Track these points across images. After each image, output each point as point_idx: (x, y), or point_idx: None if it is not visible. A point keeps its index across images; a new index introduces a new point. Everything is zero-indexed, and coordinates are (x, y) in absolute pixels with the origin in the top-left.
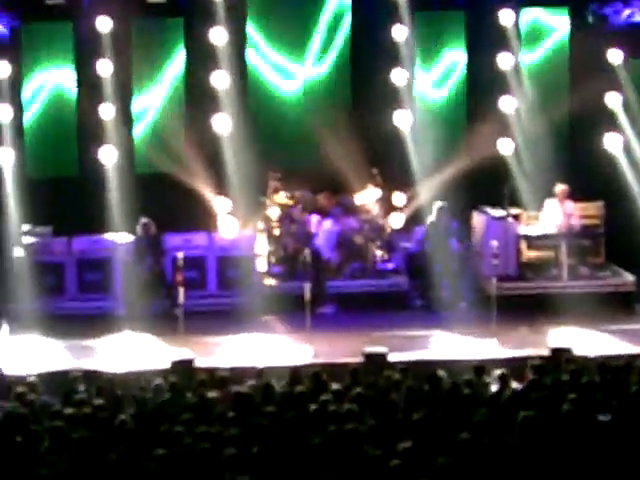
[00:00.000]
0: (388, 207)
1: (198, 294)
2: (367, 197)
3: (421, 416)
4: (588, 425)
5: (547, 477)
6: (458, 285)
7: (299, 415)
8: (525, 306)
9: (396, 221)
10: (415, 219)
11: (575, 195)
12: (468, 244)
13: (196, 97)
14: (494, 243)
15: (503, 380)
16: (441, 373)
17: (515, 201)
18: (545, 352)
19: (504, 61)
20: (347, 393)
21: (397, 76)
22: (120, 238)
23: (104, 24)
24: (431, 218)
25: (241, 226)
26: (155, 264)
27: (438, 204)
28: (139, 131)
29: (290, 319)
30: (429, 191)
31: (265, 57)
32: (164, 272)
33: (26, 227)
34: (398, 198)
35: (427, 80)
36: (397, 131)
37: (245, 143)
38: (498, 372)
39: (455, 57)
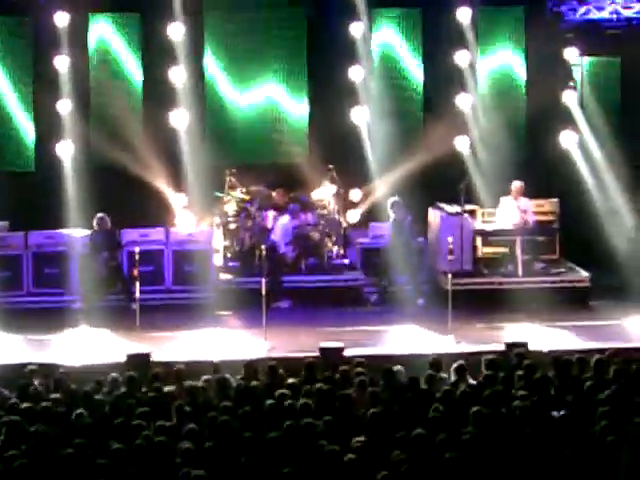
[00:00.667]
0: (344, 203)
1: (154, 289)
2: (323, 193)
3: (377, 411)
4: (541, 421)
5: (501, 473)
6: (416, 281)
7: (255, 410)
8: (480, 301)
9: (352, 217)
10: (371, 215)
11: (530, 192)
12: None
13: (153, 93)
14: (449, 239)
15: (460, 372)
16: (398, 368)
17: (471, 197)
18: (500, 347)
19: (461, 59)
20: (303, 388)
21: (354, 73)
22: (76, 233)
23: (62, 19)
24: (392, 214)
25: (197, 221)
26: (111, 259)
27: (392, 199)
28: (96, 126)
29: (246, 314)
30: (385, 187)
31: (223, 53)
32: (120, 266)
33: None
34: (354, 194)
35: (385, 77)
36: (354, 128)
37: (202, 139)
38: (456, 364)
39: (412, 54)
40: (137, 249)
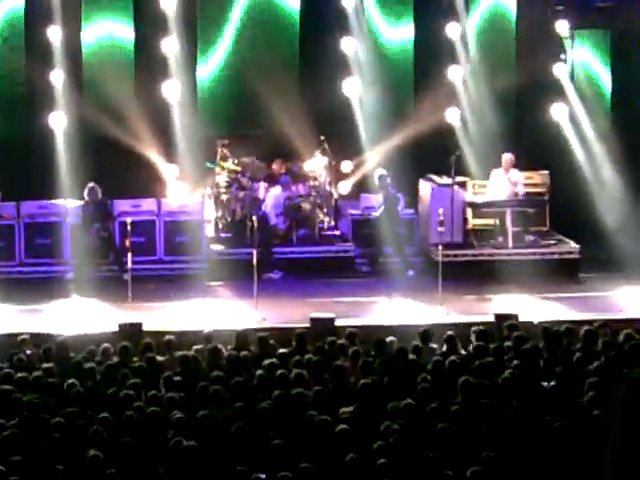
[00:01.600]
0: (335, 174)
1: (146, 259)
2: (314, 164)
3: (368, 381)
4: (531, 391)
5: (490, 443)
6: (405, 252)
7: (245, 379)
8: (470, 273)
9: (343, 188)
10: (362, 186)
11: (521, 164)
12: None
13: (145, 64)
14: (440, 211)
15: (450, 343)
16: (390, 338)
17: (461, 169)
18: (490, 318)
19: (451, 31)
20: (293, 358)
21: (346, 44)
22: (69, 203)
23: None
24: (378, 186)
25: (189, 192)
26: (103, 229)
27: (378, 172)
28: (89, 97)
29: (237, 284)
30: (376, 159)
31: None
32: (112, 237)
33: None
34: (345, 166)
35: (377, 48)
36: (345, 99)
37: (194, 110)
38: (446, 335)
39: (404, 26)
40: (129, 220)
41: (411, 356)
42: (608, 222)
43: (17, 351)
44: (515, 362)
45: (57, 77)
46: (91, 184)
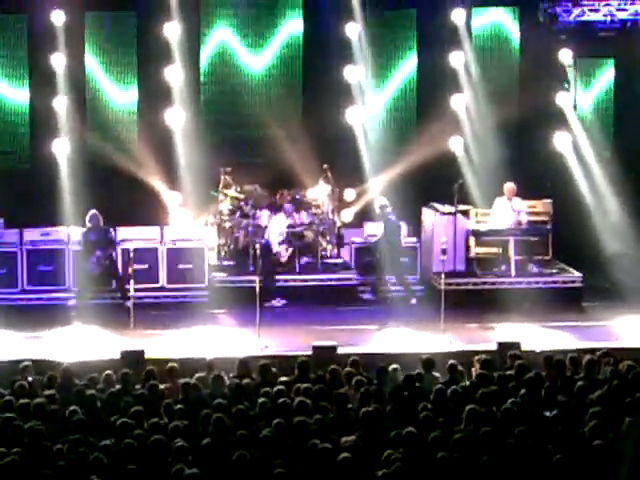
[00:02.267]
0: (338, 203)
1: (149, 286)
2: (317, 192)
3: (370, 409)
4: (534, 420)
5: (492, 472)
6: (407, 281)
7: (247, 407)
8: (473, 301)
9: (346, 216)
10: (365, 215)
11: (524, 193)
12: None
13: (148, 91)
14: (443, 239)
15: (453, 372)
16: (392, 367)
17: (464, 198)
18: (493, 347)
19: (455, 60)
20: (295, 386)
21: (349, 73)
22: (71, 230)
23: (58, 17)
24: (380, 215)
25: (192, 219)
26: (104, 257)
27: (380, 201)
28: (92, 124)
29: (240, 312)
30: (379, 187)
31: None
32: (115, 264)
33: None
34: (348, 194)
35: (381, 78)
36: (348, 127)
37: (197, 137)
38: (448, 363)
39: (407, 55)
40: (132, 247)
41: (414, 384)
42: (610, 251)
43: (19, 378)
44: (517, 391)
45: (60, 104)
46: (92, 211)
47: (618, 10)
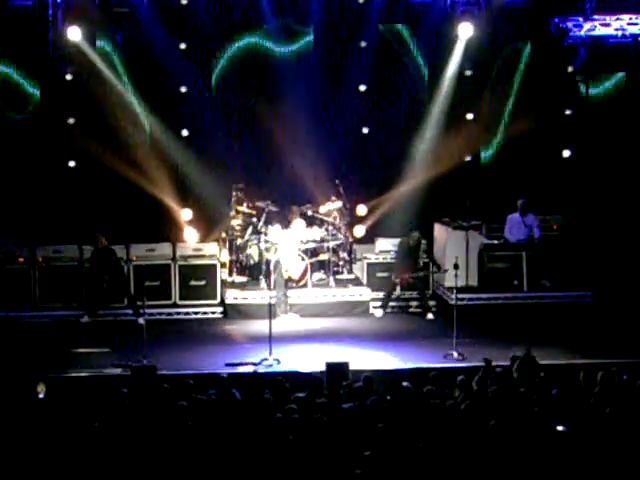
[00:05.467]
0: (350, 218)
1: (161, 303)
2: (330, 208)
3: (384, 425)
4: (548, 435)
5: None
6: (424, 296)
7: (262, 423)
8: (486, 316)
9: (358, 232)
10: (377, 230)
11: (536, 208)
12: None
13: (160, 107)
14: (455, 254)
15: (465, 386)
16: (405, 383)
17: (477, 213)
18: (506, 362)
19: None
20: (310, 402)
21: (362, 88)
22: (83, 247)
23: (74, 33)
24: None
25: (204, 236)
26: (113, 277)
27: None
28: (103, 141)
29: (252, 328)
30: (391, 203)
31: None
32: (126, 281)
33: None
34: (360, 209)
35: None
36: (361, 142)
37: (209, 154)
38: (460, 378)
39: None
40: (144, 264)
41: (427, 399)
42: (623, 265)
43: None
44: (530, 405)
45: (71, 120)
46: (96, 234)
47: (629, 24)
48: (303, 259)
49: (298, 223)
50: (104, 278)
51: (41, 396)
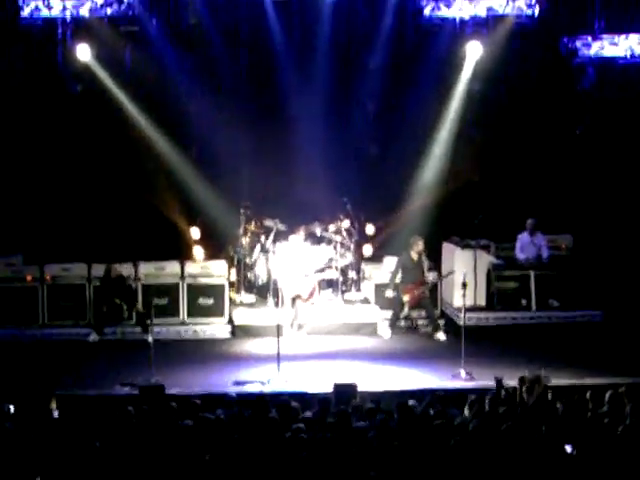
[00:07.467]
0: (359, 237)
1: (169, 321)
2: (338, 227)
3: (391, 446)
4: (556, 455)
5: None
6: (433, 316)
7: (269, 443)
8: (494, 336)
9: (367, 251)
10: (385, 249)
11: (545, 227)
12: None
13: (169, 125)
14: (463, 273)
15: (474, 407)
16: (411, 402)
17: (486, 232)
18: (513, 382)
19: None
20: (317, 422)
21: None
22: (92, 266)
23: (84, 53)
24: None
25: (213, 254)
26: (123, 298)
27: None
28: (112, 160)
29: (260, 347)
30: (400, 222)
31: None
32: (135, 300)
33: None
34: (369, 228)
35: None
36: (369, 161)
37: (217, 172)
38: (469, 399)
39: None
40: (152, 282)
41: (435, 420)
42: (631, 285)
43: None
44: (538, 426)
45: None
46: (109, 267)
47: (638, 44)
48: (311, 277)
49: (306, 241)
50: (114, 301)
51: (55, 415)
